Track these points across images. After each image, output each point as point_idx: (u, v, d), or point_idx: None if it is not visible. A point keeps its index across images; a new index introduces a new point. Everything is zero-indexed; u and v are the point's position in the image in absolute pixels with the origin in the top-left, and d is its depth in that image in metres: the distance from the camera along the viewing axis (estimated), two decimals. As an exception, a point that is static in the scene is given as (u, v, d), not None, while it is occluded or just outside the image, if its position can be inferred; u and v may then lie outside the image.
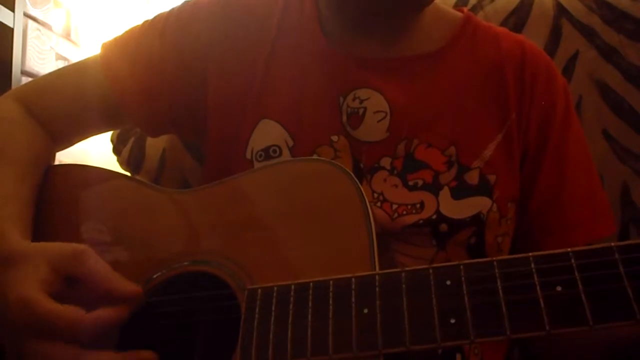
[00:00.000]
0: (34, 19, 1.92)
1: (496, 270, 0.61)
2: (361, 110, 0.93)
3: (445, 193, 0.90)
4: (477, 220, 0.90)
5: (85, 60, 1.09)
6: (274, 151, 0.94)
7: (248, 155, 0.95)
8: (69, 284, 0.75)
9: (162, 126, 1.08)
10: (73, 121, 1.05)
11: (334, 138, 0.93)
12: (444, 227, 0.89)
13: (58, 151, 1.06)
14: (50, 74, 1.10)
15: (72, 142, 1.10)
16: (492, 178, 0.92)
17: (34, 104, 1.03)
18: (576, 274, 0.58)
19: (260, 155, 0.94)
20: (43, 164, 0.98)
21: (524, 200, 0.96)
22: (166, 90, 1.02)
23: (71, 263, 0.75)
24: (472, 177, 0.91)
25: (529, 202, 0.96)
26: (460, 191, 0.90)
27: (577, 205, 0.96)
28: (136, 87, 1.02)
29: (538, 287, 0.58)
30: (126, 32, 1.07)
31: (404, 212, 0.89)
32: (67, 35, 2.13)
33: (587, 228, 0.95)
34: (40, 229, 0.90)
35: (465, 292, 0.61)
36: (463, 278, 0.62)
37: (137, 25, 1.07)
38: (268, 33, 1.00)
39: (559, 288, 0.58)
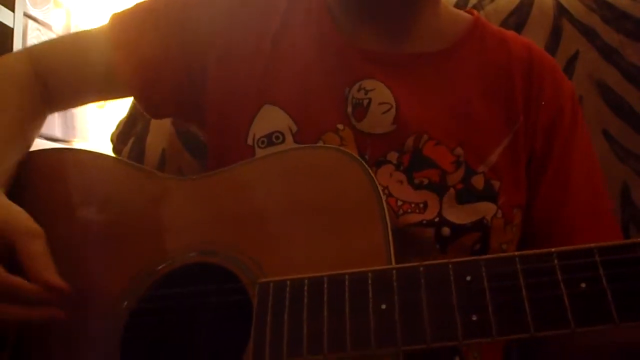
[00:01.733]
0: (34, 19, 1.92)
1: (518, 266, 0.60)
2: (366, 102, 0.92)
3: (450, 195, 0.88)
4: (480, 226, 0.89)
5: (94, 30, 1.09)
6: (277, 137, 0.92)
7: (249, 142, 0.93)
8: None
9: (165, 107, 1.06)
10: (74, 88, 1.06)
11: (340, 126, 0.92)
12: (446, 230, 0.87)
13: (57, 111, 1.09)
14: (62, 37, 1.17)
15: (69, 104, 1.13)
16: (496, 184, 0.91)
17: (42, 64, 1.04)
18: (600, 270, 0.57)
19: (263, 142, 0.92)
20: (35, 122, 1.01)
21: (527, 206, 0.95)
22: (168, 71, 1.01)
23: (19, 238, 0.77)
24: (478, 182, 0.90)
25: (531, 209, 0.95)
26: (466, 195, 0.89)
27: (579, 213, 0.95)
28: (138, 67, 1.01)
29: (562, 284, 0.58)
30: (135, 6, 1.07)
31: (408, 210, 0.87)
32: (67, 35, 2.13)
33: (589, 237, 0.94)
34: (35, 216, 0.88)
35: (486, 288, 0.60)
36: (484, 274, 0.61)
37: (146, 1, 1.07)
38: (273, 20, 0.99)
39: (583, 285, 0.57)
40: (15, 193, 0.89)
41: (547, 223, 0.95)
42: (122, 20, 1.05)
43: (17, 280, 0.74)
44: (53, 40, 1.12)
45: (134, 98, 1.05)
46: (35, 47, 1.13)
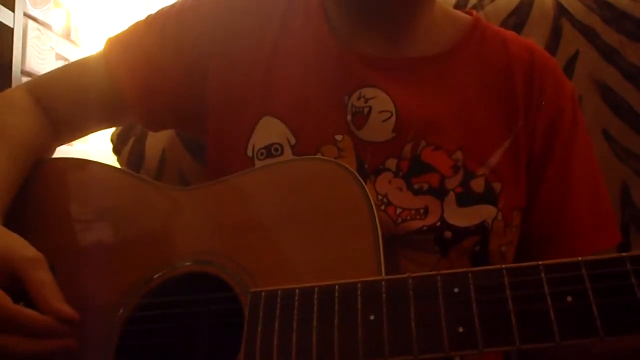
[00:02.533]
0: (34, 19, 1.92)
1: (505, 279, 0.60)
2: (366, 110, 0.92)
3: (450, 199, 0.88)
4: (481, 229, 0.89)
5: (90, 56, 1.09)
6: (276, 149, 0.92)
7: (249, 153, 0.94)
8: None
9: (165, 122, 1.08)
10: (76, 116, 1.06)
11: (338, 137, 0.92)
12: (448, 234, 0.87)
13: (61, 144, 1.07)
14: (58, 68, 1.12)
15: (75, 136, 1.11)
16: (497, 186, 0.91)
17: (42, 96, 1.04)
18: (587, 284, 0.57)
19: (262, 154, 0.93)
20: (39, 152, 0.99)
21: (526, 208, 0.95)
22: (167, 88, 1.01)
23: (22, 267, 0.75)
24: (478, 185, 0.90)
25: (531, 210, 0.95)
26: (466, 198, 0.89)
27: (580, 214, 0.95)
28: (137, 83, 1.01)
29: (548, 298, 0.58)
30: (130, 27, 1.07)
31: (408, 217, 0.88)
32: (67, 35, 2.12)
33: (589, 238, 0.94)
34: (32, 226, 0.90)
35: (473, 300, 0.60)
36: (472, 286, 0.61)
37: (141, 20, 1.07)
38: (271, 28, 0.99)
39: (569, 298, 0.57)
40: (19, 200, 0.91)
41: (547, 224, 0.95)
42: (118, 42, 1.06)
43: (27, 311, 0.73)
44: (50, 72, 1.11)
45: (135, 115, 1.05)
46: (33, 80, 1.12)
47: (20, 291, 0.75)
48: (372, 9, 0.96)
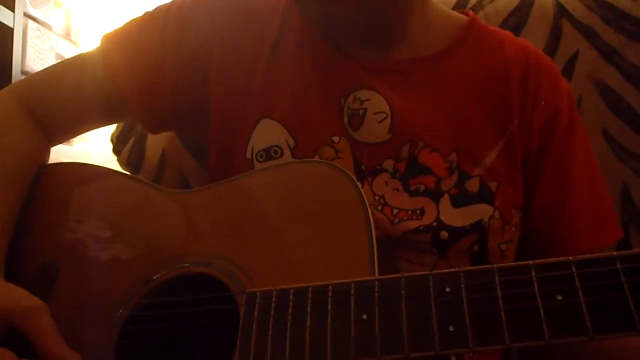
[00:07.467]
0: (34, 19, 1.92)
1: (496, 278, 0.60)
2: (361, 111, 0.93)
3: (445, 200, 0.89)
4: (478, 228, 0.89)
5: (84, 54, 1.08)
6: (275, 152, 0.93)
7: (248, 155, 0.94)
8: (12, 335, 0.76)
9: (164, 123, 1.07)
10: (72, 116, 1.04)
11: (335, 139, 0.92)
12: (444, 234, 0.88)
13: (55, 145, 1.05)
14: (48, 68, 1.09)
15: (69, 137, 1.10)
16: (493, 185, 0.91)
17: (30, 100, 1.02)
18: (577, 283, 0.57)
19: (261, 156, 0.93)
20: (33, 167, 0.97)
21: (526, 207, 0.95)
22: (167, 87, 1.01)
23: (22, 318, 0.76)
24: (473, 185, 0.90)
25: (531, 209, 0.95)
26: (461, 199, 0.89)
27: (580, 212, 0.95)
28: (136, 83, 1.01)
29: (538, 296, 0.58)
30: (126, 24, 1.06)
31: (405, 218, 0.88)
32: (67, 35, 2.12)
33: (591, 235, 0.95)
34: (37, 229, 0.91)
35: (464, 299, 0.60)
36: (463, 285, 0.61)
37: (138, 18, 1.06)
38: (270, 31, 0.99)
39: (559, 297, 0.57)
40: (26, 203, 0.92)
41: (548, 222, 0.96)
42: (115, 39, 1.04)
43: None
44: (41, 71, 1.08)
45: (134, 113, 1.04)
46: (19, 82, 1.10)
47: (22, 343, 0.75)
48: (366, 18, 0.95)
